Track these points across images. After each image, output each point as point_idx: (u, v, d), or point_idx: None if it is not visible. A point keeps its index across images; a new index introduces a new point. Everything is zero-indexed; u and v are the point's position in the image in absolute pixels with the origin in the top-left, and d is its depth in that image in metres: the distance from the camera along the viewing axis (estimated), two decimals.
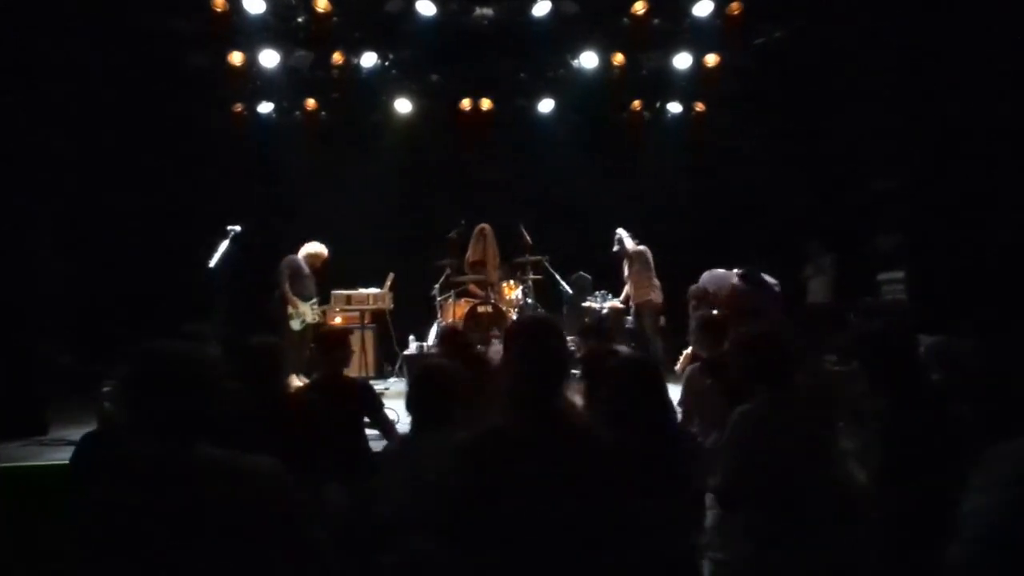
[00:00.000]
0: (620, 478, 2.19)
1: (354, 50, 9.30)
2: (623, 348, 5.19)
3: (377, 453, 3.78)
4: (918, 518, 2.71)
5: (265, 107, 9.87)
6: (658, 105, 10.48)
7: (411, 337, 8.87)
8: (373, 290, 8.99)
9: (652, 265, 8.80)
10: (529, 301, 9.00)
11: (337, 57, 9.29)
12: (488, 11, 9.05)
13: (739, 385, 3.34)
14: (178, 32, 8.61)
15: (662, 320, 8.84)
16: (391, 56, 9.55)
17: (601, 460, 2.19)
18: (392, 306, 9.08)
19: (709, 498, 3.25)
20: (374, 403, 4.44)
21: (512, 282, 9.17)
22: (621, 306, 8.94)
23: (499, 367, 3.87)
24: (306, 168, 10.24)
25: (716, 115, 10.40)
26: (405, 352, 8.65)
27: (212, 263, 7.21)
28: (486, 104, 10.18)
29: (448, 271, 9.03)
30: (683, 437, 3.20)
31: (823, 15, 8.69)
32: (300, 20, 8.91)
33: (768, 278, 7.12)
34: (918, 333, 3.28)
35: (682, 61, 9.60)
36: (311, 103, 9.95)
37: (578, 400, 3.48)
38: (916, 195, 8.20)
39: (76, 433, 4.51)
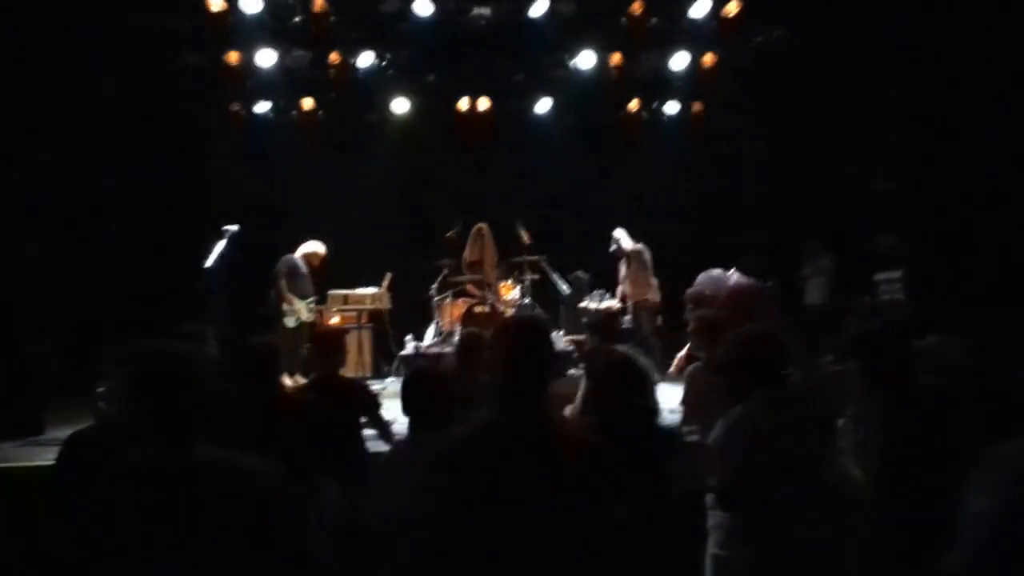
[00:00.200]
0: (601, 477, 2.18)
1: (351, 50, 9.30)
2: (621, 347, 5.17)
3: (375, 454, 3.78)
4: (915, 517, 2.72)
5: (262, 107, 9.87)
6: (655, 105, 10.48)
7: (408, 337, 8.86)
8: (370, 290, 8.99)
9: (650, 264, 8.81)
10: (527, 301, 9.00)
11: (334, 57, 9.29)
12: (485, 11, 9.04)
13: (737, 385, 3.34)
14: (175, 31, 8.61)
15: (659, 319, 8.84)
16: (388, 56, 9.55)
17: (583, 459, 2.18)
18: (389, 306, 9.09)
19: (709, 498, 3.25)
20: (372, 404, 4.44)
21: (510, 282, 9.18)
22: (619, 306, 8.93)
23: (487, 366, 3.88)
24: (303, 168, 10.23)
25: (713, 115, 10.41)
26: (402, 352, 8.64)
27: (209, 263, 7.21)
28: (483, 104, 10.17)
29: (446, 271, 9.03)
30: (669, 435, 3.20)
31: (820, 15, 8.69)
32: (297, 20, 8.90)
33: (765, 279, 7.13)
34: (915, 333, 3.28)
35: (679, 61, 9.60)
36: (308, 103, 9.94)
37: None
38: (914, 195, 8.21)
39: None
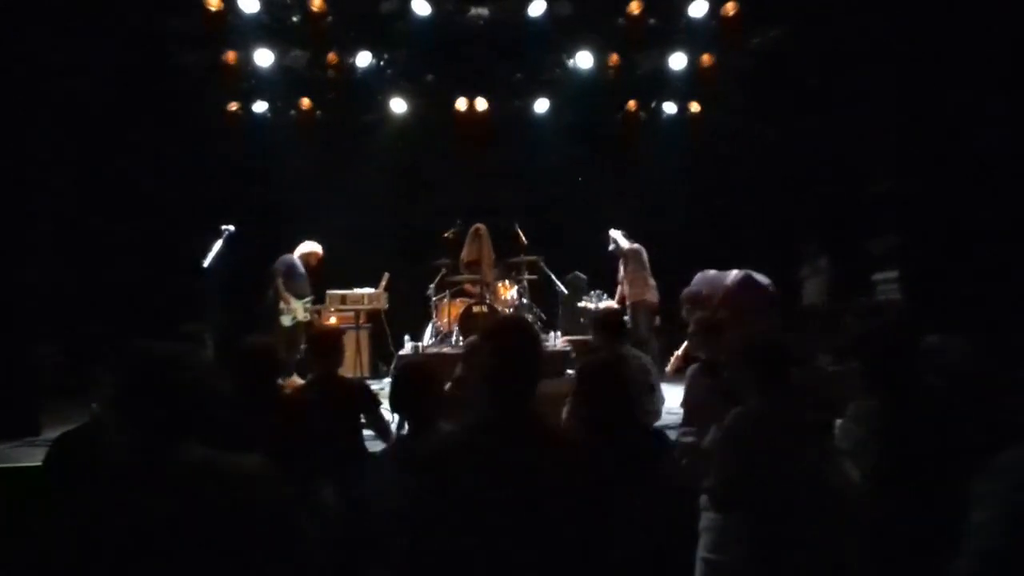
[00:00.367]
0: (588, 477, 2.18)
1: (349, 49, 9.29)
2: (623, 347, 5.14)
3: (373, 454, 3.77)
4: (915, 518, 2.71)
5: (260, 106, 9.86)
6: (653, 105, 10.48)
7: (406, 337, 8.85)
8: (368, 290, 8.97)
9: (647, 264, 8.79)
10: (524, 301, 9.00)
11: (332, 56, 9.27)
12: (483, 11, 9.03)
13: (736, 386, 3.34)
14: (173, 31, 8.59)
15: (657, 320, 8.83)
16: (386, 56, 9.54)
17: (570, 459, 2.17)
18: (387, 306, 9.08)
19: (703, 500, 3.25)
20: (371, 404, 4.44)
21: (507, 282, 9.17)
22: (617, 306, 8.92)
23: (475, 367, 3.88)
24: (301, 168, 10.22)
25: (711, 115, 10.40)
26: (400, 352, 8.63)
27: (206, 263, 7.20)
28: (481, 104, 10.16)
29: (443, 271, 9.02)
30: (658, 436, 3.19)
31: (819, 15, 8.68)
32: (295, 19, 8.89)
33: (763, 278, 7.11)
34: (914, 333, 3.27)
35: (677, 61, 9.58)
36: (306, 102, 9.94)
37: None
38: (911, 196, 8.20)
39: None
